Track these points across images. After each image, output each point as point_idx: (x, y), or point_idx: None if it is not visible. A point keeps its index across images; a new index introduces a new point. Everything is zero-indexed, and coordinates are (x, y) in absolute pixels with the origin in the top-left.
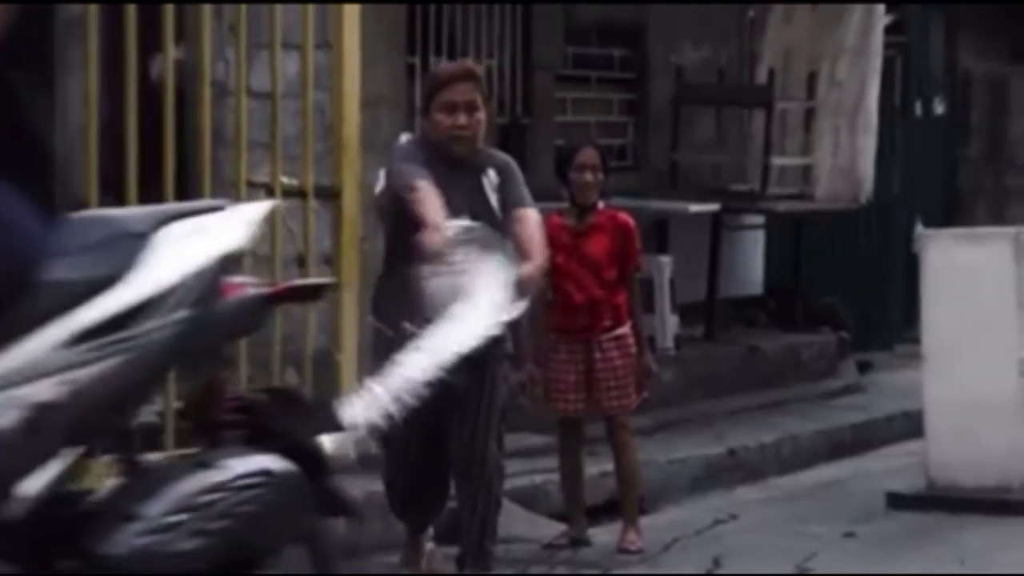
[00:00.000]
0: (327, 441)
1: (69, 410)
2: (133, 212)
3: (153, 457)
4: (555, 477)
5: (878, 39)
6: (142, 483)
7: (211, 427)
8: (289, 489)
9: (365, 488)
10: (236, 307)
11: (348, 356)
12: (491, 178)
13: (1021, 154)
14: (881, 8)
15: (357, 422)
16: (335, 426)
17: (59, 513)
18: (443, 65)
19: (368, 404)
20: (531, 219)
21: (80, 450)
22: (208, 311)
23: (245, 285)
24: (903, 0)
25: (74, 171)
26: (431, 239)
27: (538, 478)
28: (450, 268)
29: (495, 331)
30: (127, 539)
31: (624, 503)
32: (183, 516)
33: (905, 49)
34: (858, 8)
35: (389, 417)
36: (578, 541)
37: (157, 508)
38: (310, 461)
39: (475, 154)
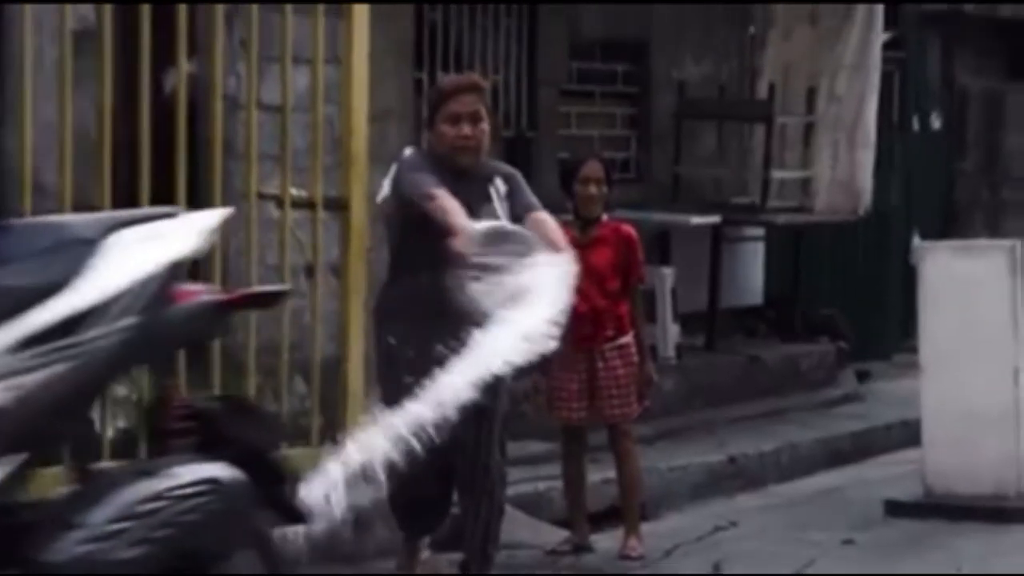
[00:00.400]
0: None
1: (14, 416)
2: (83, 218)
3: (105, 465)
4: (558, 484)
5: (876, 55)
6: (87, 492)
7: (160, 434)
8: (235, 497)
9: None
10: (187, 314)
11: (355, 364)
12: (498, 188)
13: (1017, 168)
14: (879, 25)
15: (320, 505)
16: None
17: (2, 521)
18: (448, 78)
19: (335, 482)
20: (548, 220)
21: (24, 456)
22: (157, 318)
23: (199, 292)
24: None
25: (10, 178)
26: (463, 243)
27: (541, 485)
28: (494, 269)
29: (556, 328)
30: (69, 547)
31: (626, 510)
32: (125, 524)
33: (903, 65)
34: (857, 25)
35: (407, 449)
36: (580, 547)
37: (100, 516)
38: (262, 469)
39: (480, 165)
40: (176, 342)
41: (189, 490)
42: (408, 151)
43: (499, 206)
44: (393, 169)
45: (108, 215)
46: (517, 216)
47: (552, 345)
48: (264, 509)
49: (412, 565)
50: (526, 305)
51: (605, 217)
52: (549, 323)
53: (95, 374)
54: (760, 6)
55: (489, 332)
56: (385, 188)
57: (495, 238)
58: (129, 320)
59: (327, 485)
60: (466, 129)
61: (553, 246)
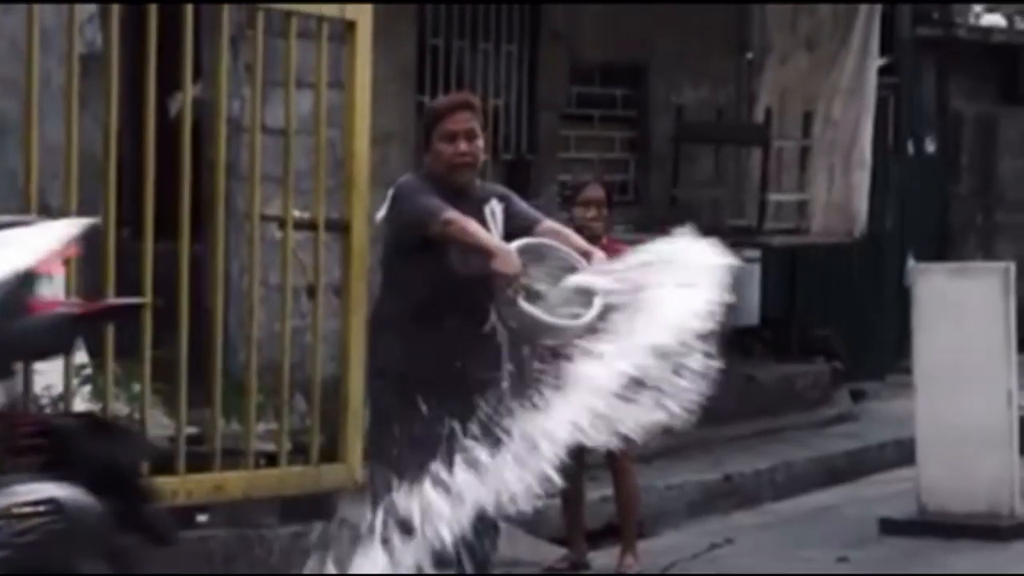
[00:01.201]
0: None
1: None
2: None
3: None
4: (556, 502)
5: (872, 80)
6: None
7: (4, 452)
8: (79, 517)
9: None
10: (39, 326)
11: (355, 382)
12: (493, 209)
13: (1010, 191)
14: (875, 50)
15: None
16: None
17: None
18: (441, 98)
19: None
20: (562, 228)
21: None
22: (5, 328)
23: (55, 304)
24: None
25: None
26: (507, 263)
27: (540, 502)
28: (618, 285)
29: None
30: None
31: (623, 527)
32: None
33: (898, 90)
34: (853, 51)
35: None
36: (578, 564)
37: None
38: (120, 487)
39: (475, 186)
40: (28, 353)
41: (28, 510)
42: (406, 177)
43: (493, 228)
44: (390, 195)
45: None
46: (522, 233)
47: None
48: (120, 527)
49: None
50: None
51: (605, 240)
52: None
53: None
54: (757, 32)
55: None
56: (382, 213)
57: (532, 254)
58: None
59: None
60: (463, 146)
61: (581, 250)
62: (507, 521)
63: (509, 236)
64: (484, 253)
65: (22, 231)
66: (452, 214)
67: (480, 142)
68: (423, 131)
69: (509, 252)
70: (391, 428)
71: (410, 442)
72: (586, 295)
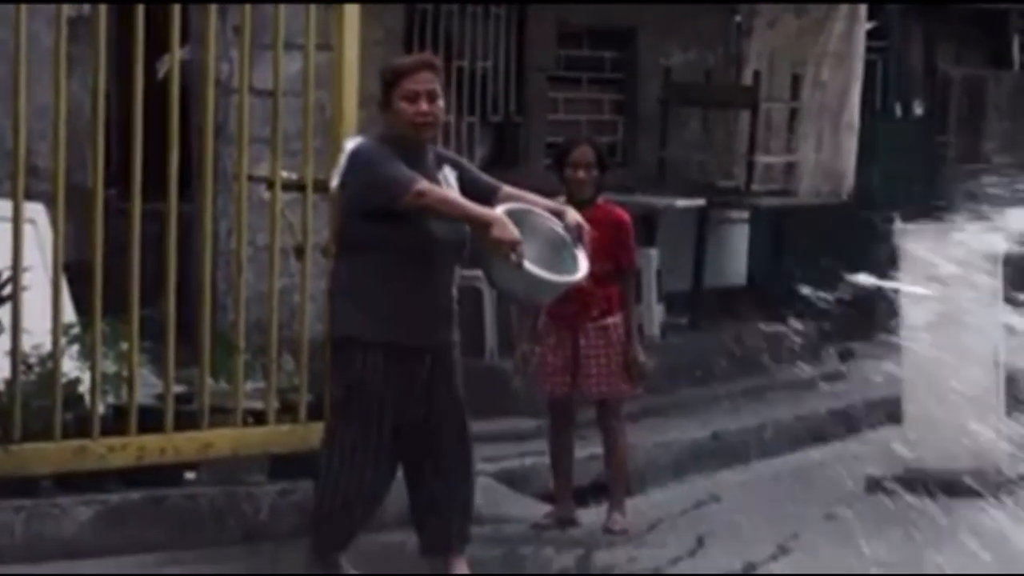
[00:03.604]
0: None
1: None
2: None
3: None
4: (544, 459)
5: (860, 44)
6: None
7: None
8: None
9: None
10: None
11: None
12: (447, 174)
13: (997, 153)
14: (863, 14)
15: None
16: None
17: None
18: (402, 58)
19: None
20: (518, 191)
21: None
22: None
23: None
24: (885, 0)
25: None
26: (504, 230)
27: (528, 460)
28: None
29: None
30: None
31: (612, 485)
32: None
33: (886, 53)
34: (841, 15)
35: None
36: (565, 521)
37: None
38: None
39: (429, 150)
40: None
41: None
42: (360, 141)
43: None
44: (345, 159)
45: None
46: (481, 200)
47: None
48: None
49: None
50: None
51: (601, 200)
52: None
53: None
54: None
55: None
56: (336, 179)
57: (520, 219)
58: None
59: None
60: (424, 106)
61: (552, 210)
62: (494, 478)
63: None
64: (476, 223)
65: None
66: (423, 184)
67: (441, 103)
68: (382, 90)
69: (505, 220)
70: (370, 396)
71: (391, 410)
72: (556, 249)
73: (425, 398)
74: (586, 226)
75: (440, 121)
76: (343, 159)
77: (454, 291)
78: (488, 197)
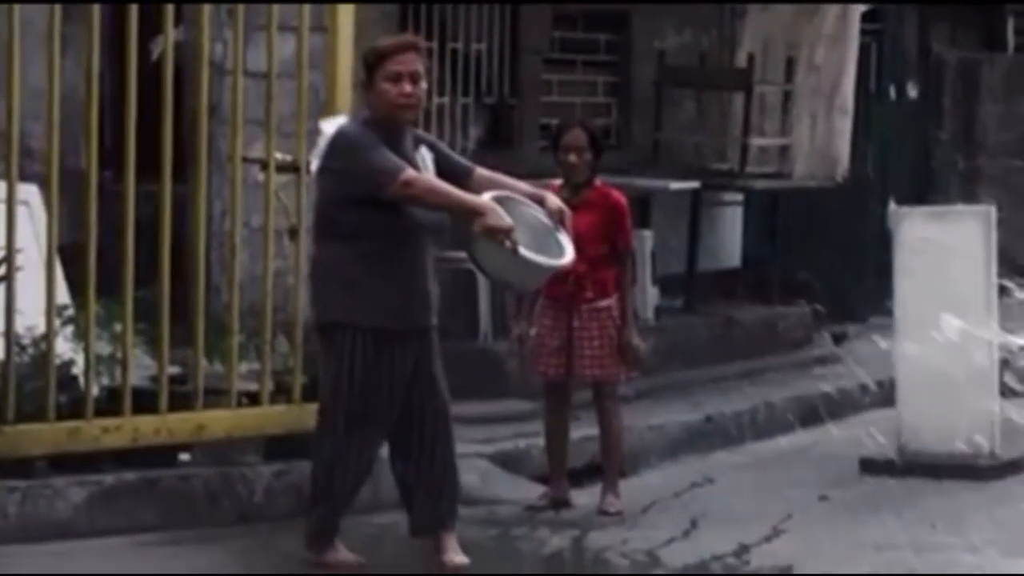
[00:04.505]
0: None
1: None
2: None
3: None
4: (538, 441)
5: (854, 26)
6: None
7: None
8: None
9: None
10: None
11: None
12: (424, 155)
13: (991, 136)
14: None
15: None
16: None
17: None
18: (386, 38)
19: None
20: (492, 173)
21: None
22: None
23: None
24: None
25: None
26: (497, 218)
27: (522, 442)
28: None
29: None
30: None
31: (606, 467)
32: None
33: (880, 36)
34: None
35: None
36: (559, 502)
37: None
38: None
39: (408, 132)
40: None
41: None
42: (342, 124)
43: (427, 172)
44: (328, 143)
45: None
46: (455, 182)
47: None
48: None
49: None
50: None
51: (599, 182)
52: None
53: None
54: None
55: None
56: (317, 162)
57: (503, 206)
58: None
59: None
60: (407, 87)
61: (528, 195)
62: (489, 460)
63: None
64: (466, 212)
65: None
66: (410, 174)
67: (424, 84)
68: (365, 71)
69: (495, 208)
70: (361, 381)
71: (381, 393)
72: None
73: (411, 381)
74: (567, 211)
75: (422, 103)
76: (323, 141)
77: (433, 273)
78: (463, 179)
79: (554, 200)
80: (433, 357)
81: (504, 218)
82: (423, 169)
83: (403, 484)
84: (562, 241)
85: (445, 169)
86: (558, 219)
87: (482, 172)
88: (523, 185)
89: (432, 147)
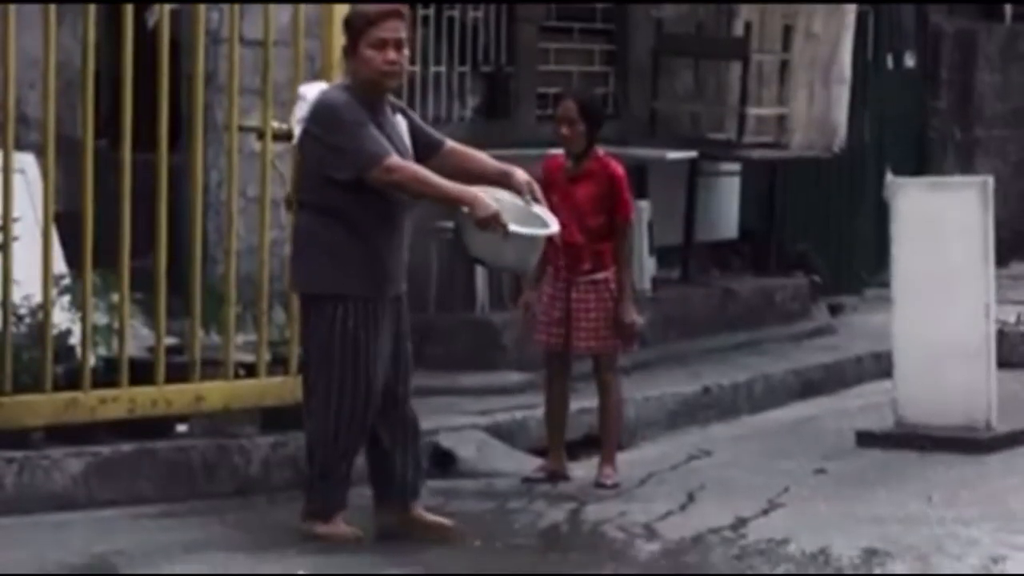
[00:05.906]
0: None
1: None
2: None
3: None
4: (536, 413)
5: None
6: None
7: None
8: None
9: None
10: None
11: None
12: (400, 122)
13: (988, 106)
14: None
15: None
16: None
17: None
18: (370, 5)
19: None
20: (462, 146)
21: None
22: None
23: None
24: None
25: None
26: (487, 208)
27: (519, 414)
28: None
29: None
30: None
31: (603, 439)
32: None
33: (877, 5)
34: None
35: None
36: (556, 475)
37: None
38: None
39: (387, 99)
40: None
41: None
42: (325, 90)
43: (406, 140)
44: (311, 110)
45: None
46: (426, 152)
47: None
48: None
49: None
50: None
51: (602, 152)
52: None
53: None
54: None
55: None
56: (297, 125)
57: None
58: None
59: None
60: (392, 55)
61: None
62: (486, 432)
63: (418, 159)
64: (452, 202)
65: None
66: (394, 160)
67: (407, 52)
68: (348, 36)
69: (478, 196)
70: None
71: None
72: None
73: (390, 351)
74: (534, 183)
75: (405, 70)
76: (304, 106)
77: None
78: (433, 151)
79: (521, 174)
80: (404, 319)
81: (489, 207)
82: (396, 137)
83: (376, 449)
84: (540, 213)
85: (418, 139)
86: (528, 192)
87: (451, 145)
88: (493, 162)
89: (406, 115)
